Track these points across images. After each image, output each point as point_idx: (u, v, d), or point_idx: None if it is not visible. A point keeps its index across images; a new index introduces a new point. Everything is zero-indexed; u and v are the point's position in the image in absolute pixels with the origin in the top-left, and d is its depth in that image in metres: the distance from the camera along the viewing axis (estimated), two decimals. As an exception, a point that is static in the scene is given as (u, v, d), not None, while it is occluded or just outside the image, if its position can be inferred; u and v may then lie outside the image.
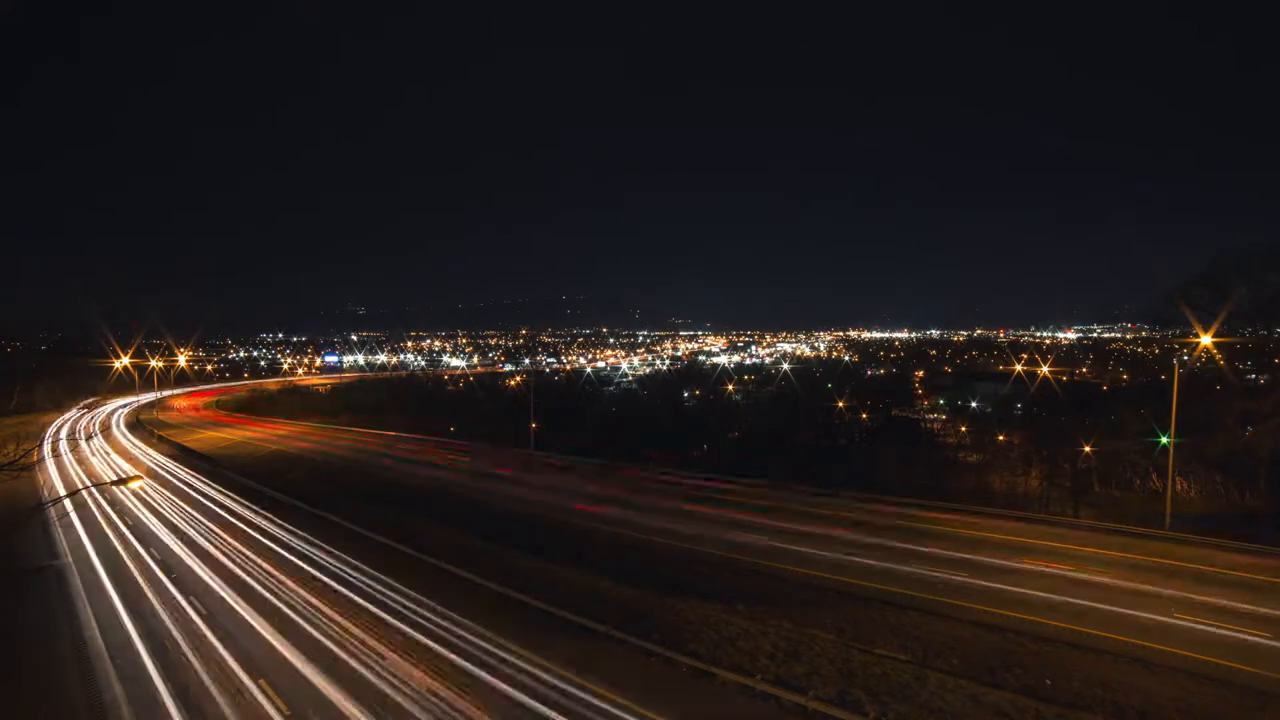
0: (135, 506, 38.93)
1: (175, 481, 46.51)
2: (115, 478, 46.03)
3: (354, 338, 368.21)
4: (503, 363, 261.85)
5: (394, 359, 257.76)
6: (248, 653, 19.93)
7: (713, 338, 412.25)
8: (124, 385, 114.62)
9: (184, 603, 23.96)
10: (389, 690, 17.54)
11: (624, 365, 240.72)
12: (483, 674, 18.26)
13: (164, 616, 22.84)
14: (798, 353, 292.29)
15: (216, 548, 30.60)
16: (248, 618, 22.54)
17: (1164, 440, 35.94)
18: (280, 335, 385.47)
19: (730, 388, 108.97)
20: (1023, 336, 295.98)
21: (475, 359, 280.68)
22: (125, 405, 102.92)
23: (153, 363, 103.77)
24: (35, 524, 34.72)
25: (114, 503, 39.83)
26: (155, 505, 39.25)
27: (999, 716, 15.77)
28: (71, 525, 34.66)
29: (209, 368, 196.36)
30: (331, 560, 28.41)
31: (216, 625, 21.97)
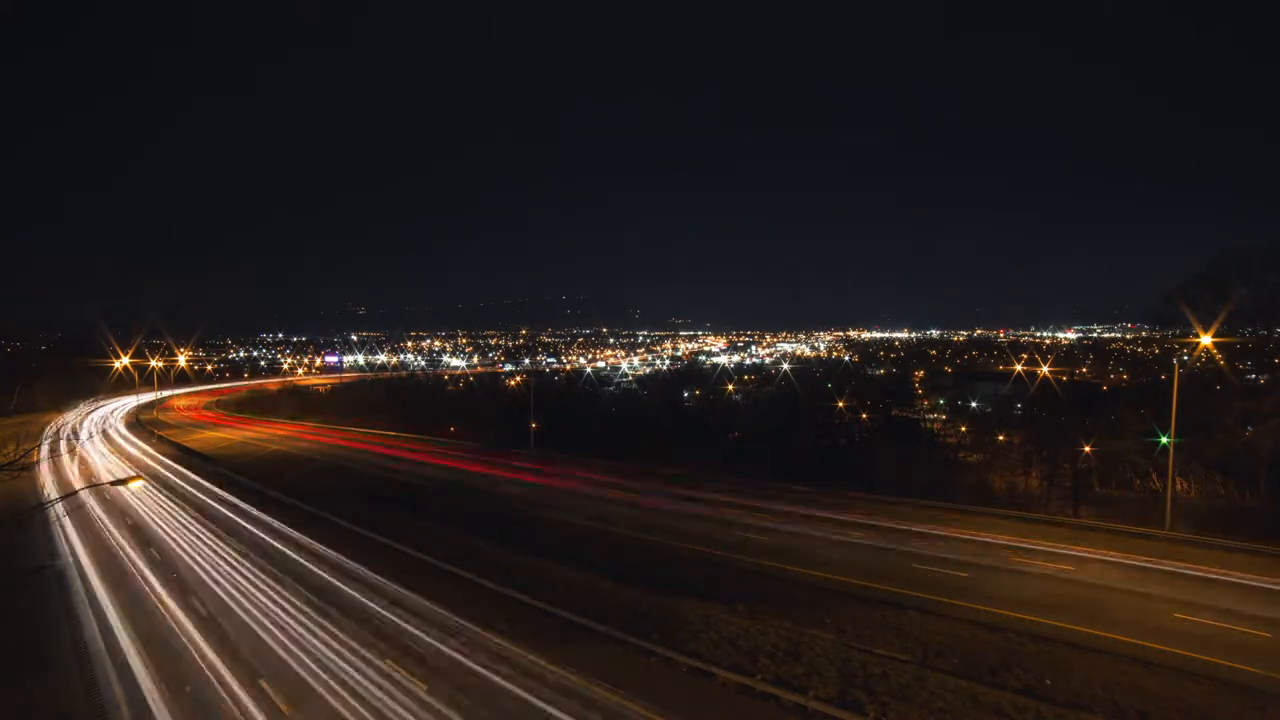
0: (135, 507, 38.92)
1: (175, 482, 46.50)
2: (115, 478, 45.97)
3: (354, 338, 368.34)
4: (503, 363, 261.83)
5: (394, 359, 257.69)
6: (248, 653, 19.93)
7: (713, 338, 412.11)
8: (124, 385, 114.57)
9: (184, 603, 23.95)
10: (386, 695, 17.55)
11: (624, 365, 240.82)
12: (483, 674, 18.30)
13: (164, 617, 22.83)
14: (798, 353, 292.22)
15: (217, 548, 30.59)
16: (248, 618, 22.54)
17: (1164, 440, 35.88)
18: (280, 335, 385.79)
19: (730, 388, 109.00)
20: (1023, 336, 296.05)
21: (475, 359, 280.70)
22: (125, 405, 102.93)
23: (153, 363, 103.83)
24: (35, 524, 34.72)
25: (114, 503, 39.83)
26: (155, 506, 39.25)
27: (999, 716, 15.75)
28: (71, 525, 34.66)
29: (209, 368, 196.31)
30: (332, 561, 28.41)
31: (217, 625, 21.96)
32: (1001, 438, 53.18)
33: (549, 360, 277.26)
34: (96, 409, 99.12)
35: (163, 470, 51.08)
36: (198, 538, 32.30)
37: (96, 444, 65.02)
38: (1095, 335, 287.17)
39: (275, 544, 31.15)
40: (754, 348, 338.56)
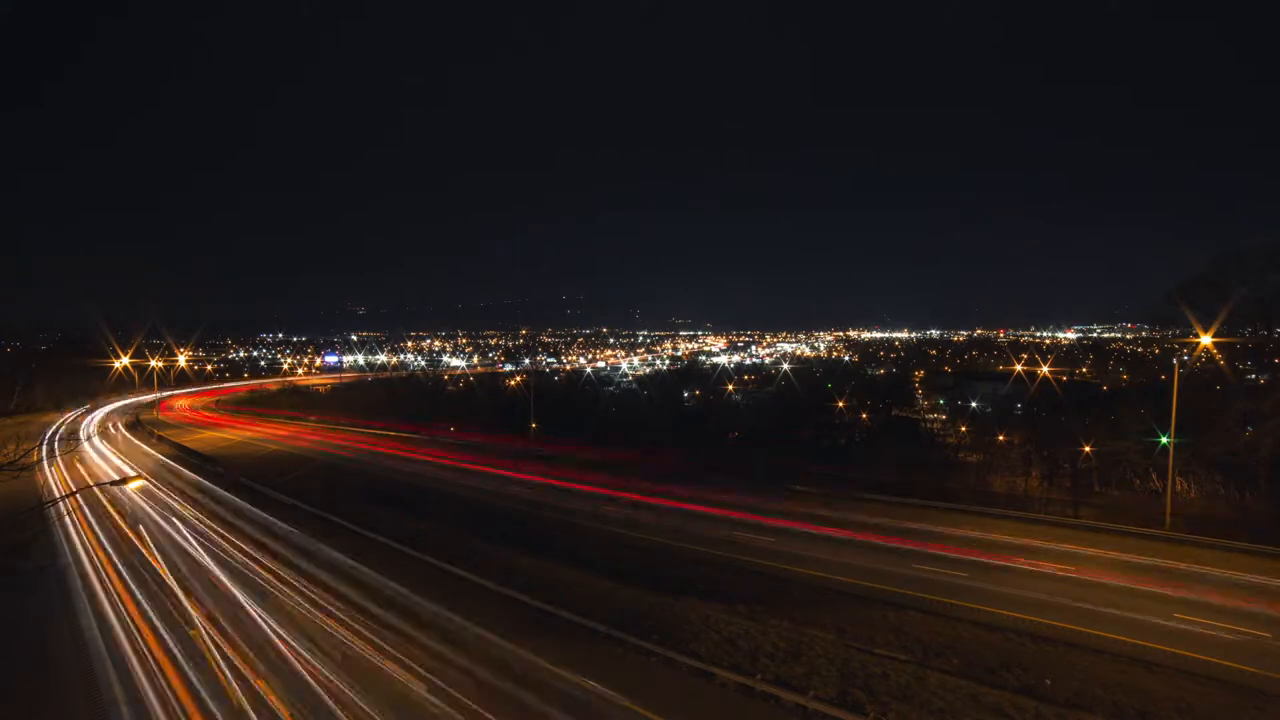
0: (135, 507, 38.91)
1: (175, 482, 46.49)
2: (115, 478, 45.96)
3: (354, 338, 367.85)
4: (503, 363, 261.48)
5: (394, 359, 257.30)
6: (249, 652, 19.94)
7: (713, 338, 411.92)
8: (124, 385, 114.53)
9: (185, 603, 23.96)
10: (388, 697, 17.57)
11: (624, 365, 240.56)
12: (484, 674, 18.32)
13: (165, 617, 22.83)
14: (798, 353, 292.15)
15: (216, 547, 30.60)
16: (248, 618, 22.56)
17: (1164, 440, 35.95)
18: (280, 335, 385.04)
19: (730, 388, 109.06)
20: (1023, 336, 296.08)
21: (475, 359, 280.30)
22: (125, 405, 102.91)
23: (153, 363, 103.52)
24: (35, 524, 34.70)
25: (114, 503, 39.82)
26: (155, 505, 39.24)
27: (999, 716, 15.77)
28: (71, 525, 34.65)
29: (209, 368, 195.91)
30: (332, 560, 28.42)
31: (217, 625, 21.97)
32: (1001, 438, 53.26)
33: (549, 360, 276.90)
34: (96, 409, 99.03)
35: (163, 470, 51.08)
36: (196, 537, 32.30)
37: (96, 444, 64.99)
38: (1095, 335, 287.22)
39: (275, 544, 31.15)
40: (754, 348, 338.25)
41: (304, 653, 19.78)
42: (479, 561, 27.59)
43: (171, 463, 54.27)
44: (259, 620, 22.28)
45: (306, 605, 23.43)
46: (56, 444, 64.53)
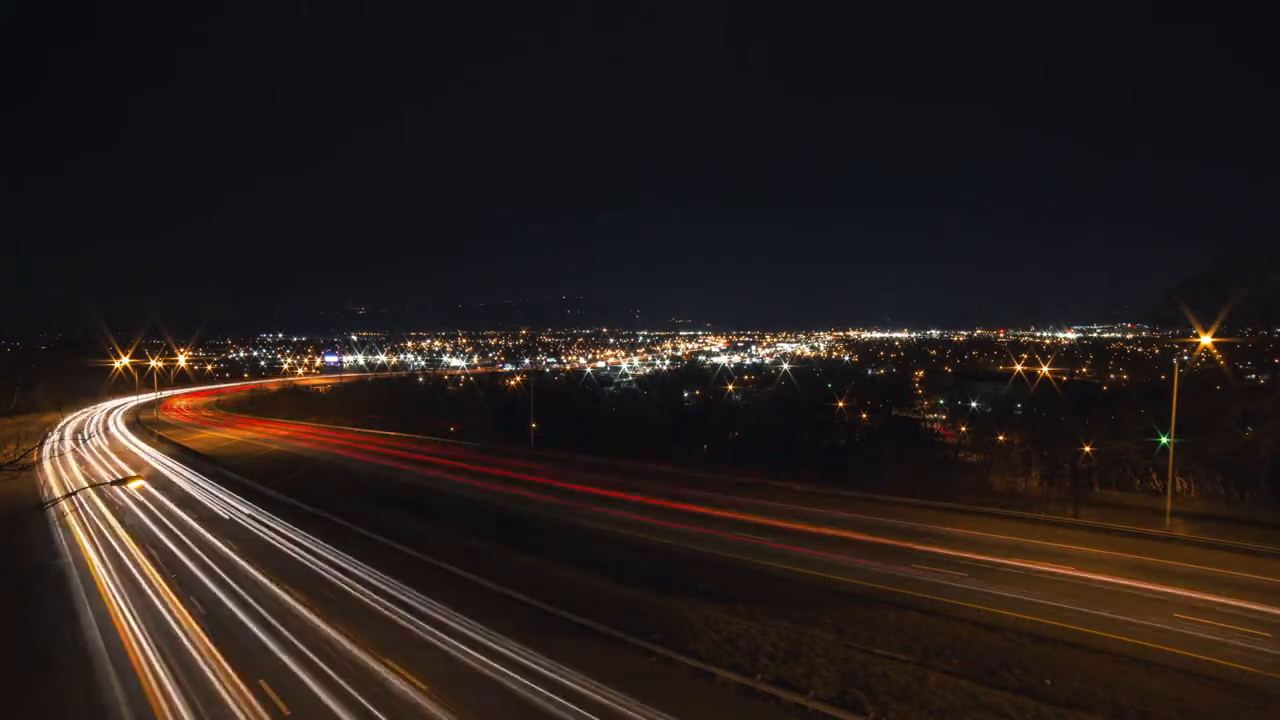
0: (135, 507, 38.94)
1: (175, 482, 46.51)
2: (115, 478, 45.94)
3: (354, 338, 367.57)
4: (503, 363, 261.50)
5: (394, 359, 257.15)
6: (248, 652, 19.95)
7: (713, 338, 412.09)
8: (124, 385, 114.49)
9: (184, 602, 23.97)
10: (386, 700, 17.57)
11: (624, 365, 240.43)
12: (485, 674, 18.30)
13: (164, 616, 22.83)
14: (798, 353, 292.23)
15: (216, 548, 30.60)
16: (247, 617, 22.56)
17: (1164, 440, 35.91)
18: (280, 335, 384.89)
19: (730, 388, 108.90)
20: (1023, 336, 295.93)
21: (475, 359, 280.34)
22: (125, 405, 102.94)
23: (153, 363, 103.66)
24: (35, 524, 34.71)
25: (114, 503, 39.84)
26: (155, 505, 39.26)
27: (999, 716, 15.77)
28: (72, 525, 34.66)
29: (209, 368, 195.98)
30: (331, 561, 28.43)
31: (217, 624, 21.98)
32: (1001, 438, 53.09)
33: (549, 360, 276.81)
34: (96, 409, 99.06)
35: (163, 470, 51.08)
36: (196, 537, 32.30)
37: (96, 444, 65.01)
38: (1095, 335, 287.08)
39: (274, 543, 31.18)
40: (754, 348, 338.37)
41: (302, 653, 19.77)
42: (479, 561, 27.61)
43: (171, 462, 54.29)
44: (253, 621, 22.29)
45: (302, 605, 23.41)
46: (57, 444, 64.51)
